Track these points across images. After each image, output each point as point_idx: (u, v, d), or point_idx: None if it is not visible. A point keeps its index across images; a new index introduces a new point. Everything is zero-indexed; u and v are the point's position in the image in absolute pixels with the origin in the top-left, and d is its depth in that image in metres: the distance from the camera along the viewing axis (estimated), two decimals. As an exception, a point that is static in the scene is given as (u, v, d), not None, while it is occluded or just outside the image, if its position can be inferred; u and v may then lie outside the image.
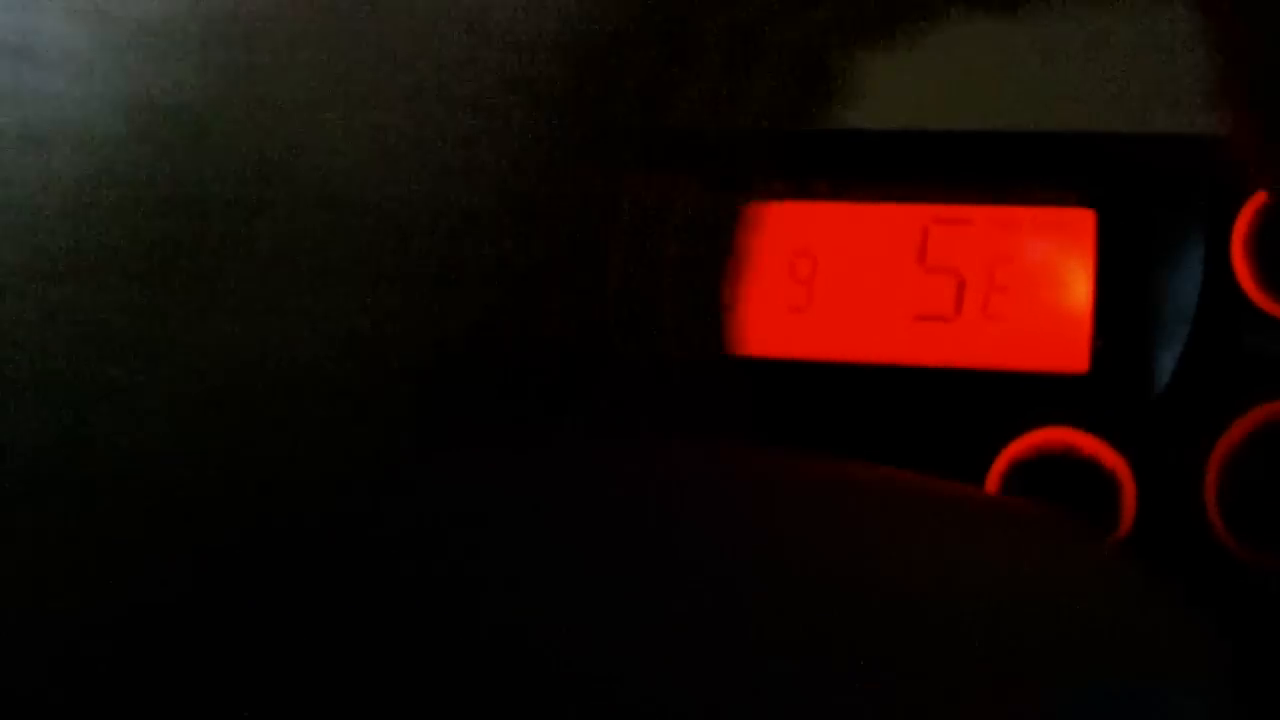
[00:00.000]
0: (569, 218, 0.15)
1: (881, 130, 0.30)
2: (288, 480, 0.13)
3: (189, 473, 0.12)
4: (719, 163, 0.29)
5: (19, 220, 0.13)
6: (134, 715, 0.12)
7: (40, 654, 0.12)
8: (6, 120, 0.13)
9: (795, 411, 0.29)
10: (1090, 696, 0.14)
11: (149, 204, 0.13)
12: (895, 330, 0.29)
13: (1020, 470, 0.26)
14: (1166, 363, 0.27)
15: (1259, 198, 0.26)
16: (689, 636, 0.14)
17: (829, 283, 0.29)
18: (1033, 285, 0.28)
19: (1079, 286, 0.28)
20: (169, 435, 0.12)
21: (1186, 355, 0.27)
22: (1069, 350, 0.28)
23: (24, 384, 0.12)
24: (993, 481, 0.27)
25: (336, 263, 0.13)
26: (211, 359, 0.12)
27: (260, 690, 0.12)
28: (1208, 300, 0.27)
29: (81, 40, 0.13)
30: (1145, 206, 0.28)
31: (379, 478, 0.13)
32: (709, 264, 0.22)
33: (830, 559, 0.15)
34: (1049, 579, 0.15)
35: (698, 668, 0.13)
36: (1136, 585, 0.16)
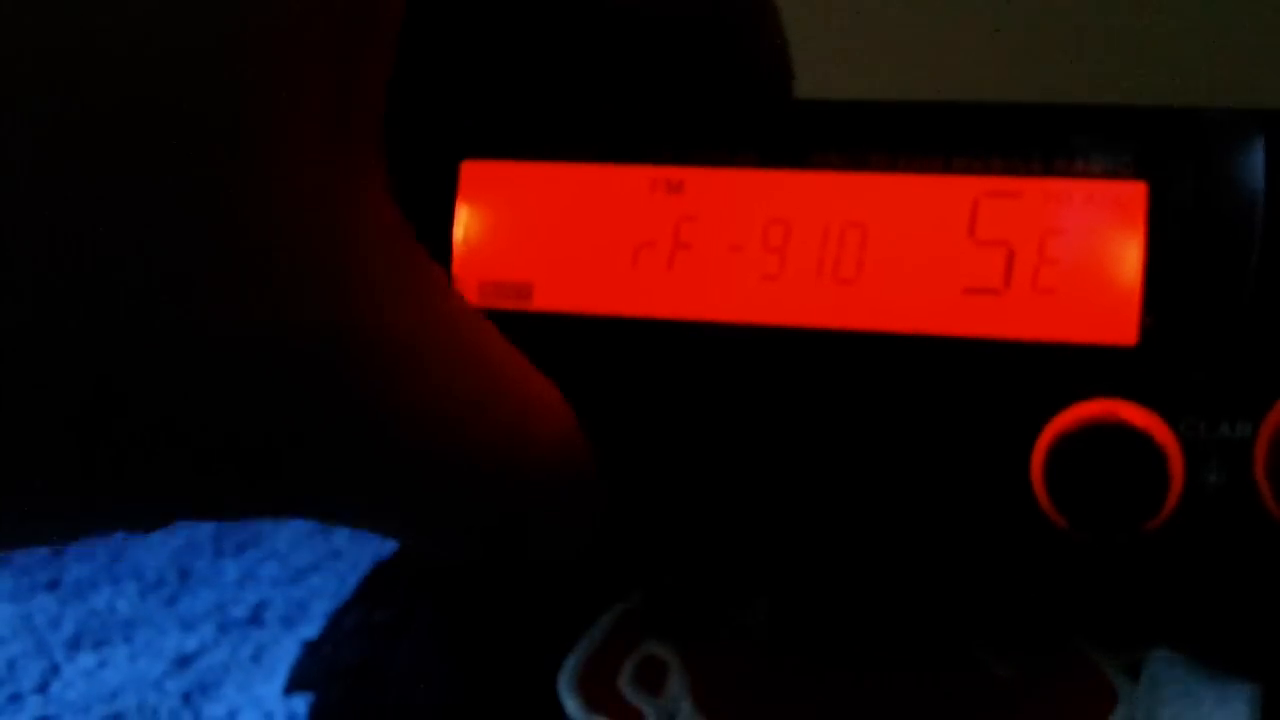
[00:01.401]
0: None
1: (934, 103, 0.30)
2: None
3: None
4: (775, 135, 0.30)
5: None
6: None
7: None
8: None
9: (846, 381, 0.29)
10: None
11: None
12: (944, 302, 0.29)
13: (1066, 443, 0.26)
14: (1216, 335, 0.27)
15: (1313, 171, 0.26)
16: None
17: (879, 254, 0.29)
18: (1083, 258, 0.28)
19: (1129, 259, 0.28)
20: None
21: (1237, 328, 0.27)
22: (1118, 323, 0.28)
23: None
24: (1039, 454, 0.27)
25: None
26: None
27: None
28: (1260, 272, 0.26)
29: None
30: (1197, 179, 0.28)
31: None
32: None
33: None
34: None
35: None
36: None
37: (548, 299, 0.31)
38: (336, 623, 0.32)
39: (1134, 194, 0.28)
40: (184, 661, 0.38)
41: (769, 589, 0.30)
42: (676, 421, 0.30)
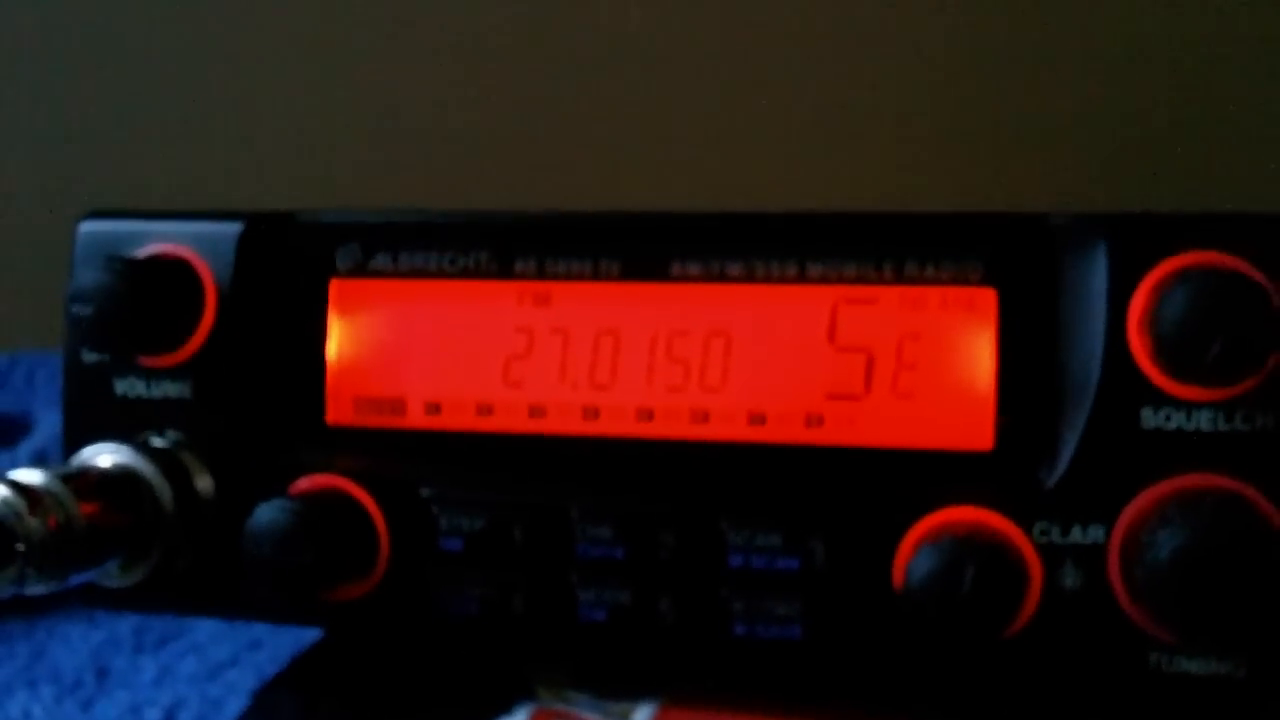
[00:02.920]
0: None
1: (788, 212, 0.30)
2: None
3: None
4: (636, 248, 0.30)
5: None
6: None
7: None
8: None
9: (711, 491, 0.29)
10: None
11: None
12: (808, 408, 0.29)
13: (925, 552, 0.26)
14: (1069, 439, 0.27)
15: (1152, 276, 0.27)
16: None
17: (744, 362, 0.30)
18: (939, 363, 0.28)
19: (983, 364, 0.28)
20: None
21: (1087, 432, 0.27)
22: (974, 428, 0.28)
23: None
24: (900, 561, 0.27)
25: None
26: None
27: None
28: (1106, 377, 0.27)
29: None
30: (1044, 285, 0.28)
31: None
32: None
33: None
34: None
35: None
36: None
37: (421, 416, 0.32)
38: (226, 745, 0.32)
39: (984, 299, 0.28)
40: (91, 774, 0.37)
41: (649, 693, 0.30)
42: (549, 533, 0.30)
